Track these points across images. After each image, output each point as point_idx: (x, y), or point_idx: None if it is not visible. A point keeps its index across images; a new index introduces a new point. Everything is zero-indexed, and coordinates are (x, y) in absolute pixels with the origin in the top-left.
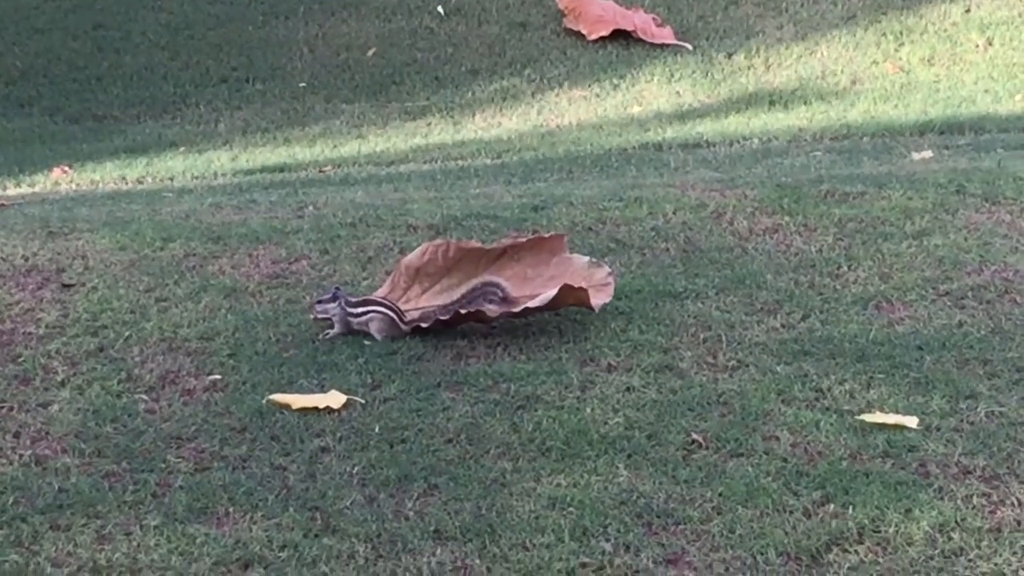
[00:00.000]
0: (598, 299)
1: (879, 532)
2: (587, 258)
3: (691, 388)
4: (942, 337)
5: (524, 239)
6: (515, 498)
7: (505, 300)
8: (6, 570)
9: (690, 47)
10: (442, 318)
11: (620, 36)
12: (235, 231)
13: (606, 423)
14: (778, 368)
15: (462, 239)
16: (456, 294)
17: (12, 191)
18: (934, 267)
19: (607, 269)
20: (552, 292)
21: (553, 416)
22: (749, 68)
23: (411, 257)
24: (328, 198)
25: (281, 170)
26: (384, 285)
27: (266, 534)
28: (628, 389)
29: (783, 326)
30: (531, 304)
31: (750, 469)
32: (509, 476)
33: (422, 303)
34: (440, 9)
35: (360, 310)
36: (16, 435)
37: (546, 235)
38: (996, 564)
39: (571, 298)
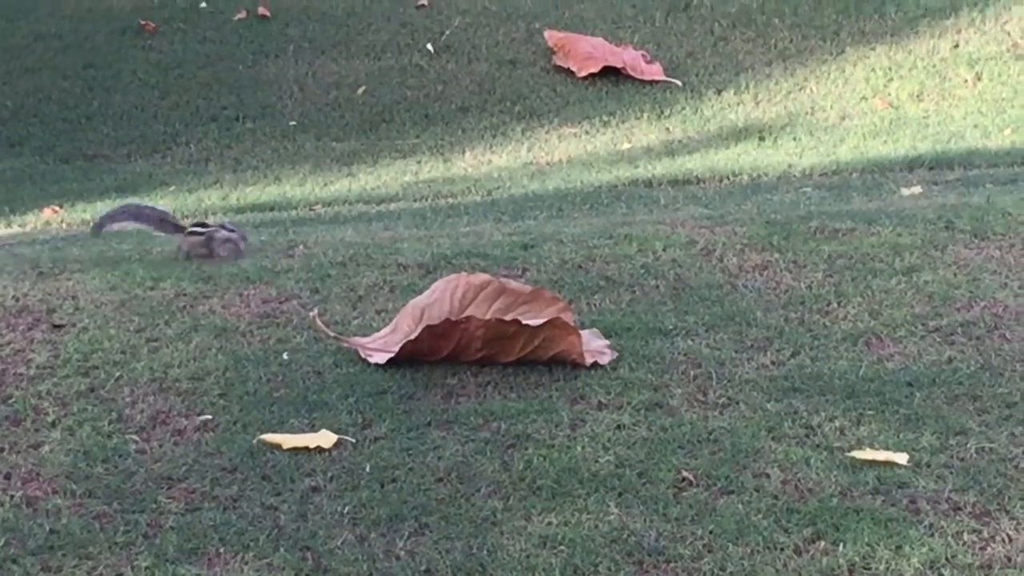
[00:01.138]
0: (591, 356)
1: (869, 569)
2: (591, 330)
3: (681, 426)
4: (932, 373)
5: (536, 291)
6: (506, 537)
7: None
8: None
9: (679, 83)
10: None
11: (610, 73)
12: (225, 271)
13: (597, 461)
14: (768, 405)
15: (475, 272)
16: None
17: (3, 231)
18: (923, 303)
19: (606, 341)
20: (541, 320)
21: (544, 454)
22: (738, 104)
23: (420, 297)
24: (318, 237)
25: (271, 209)
26: (388, 327)
27: (257, 574)
28: (618, 427)
29: (773, 363)
30: (525, 320)
31: (740, 507)
32: (500, 515)
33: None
34: (430, 47)
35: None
36: (7, 476)
37: (561, 300)
38: None
39: (562, 342)
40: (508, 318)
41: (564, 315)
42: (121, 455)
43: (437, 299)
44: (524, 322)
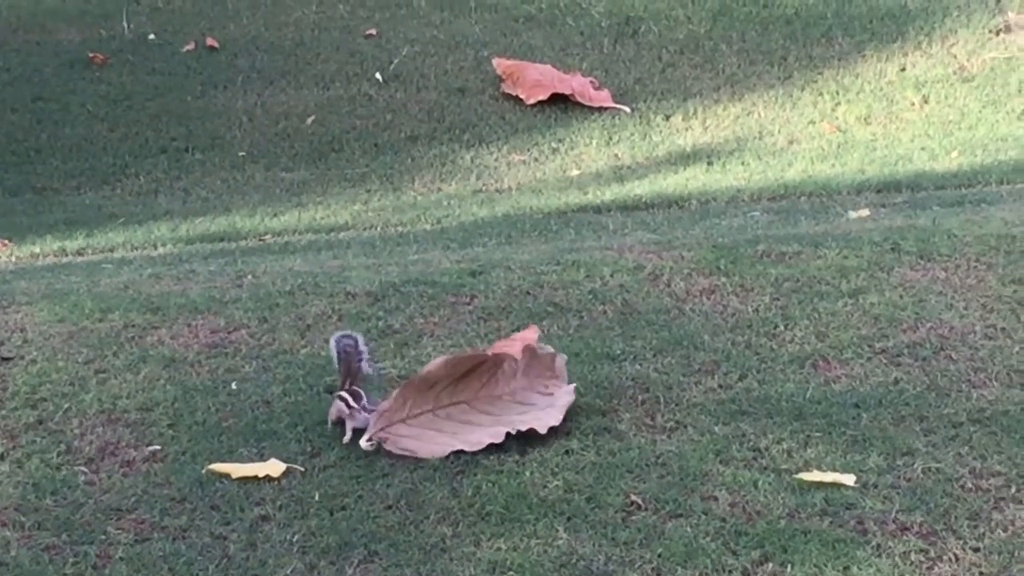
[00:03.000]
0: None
1: None
2: (548, 348)
3: (630, 450)
4: (878, 395)
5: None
6: (455, 563)
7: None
8: None
9: (628, 110)
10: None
11: (558, 100)
12: (174, 301)
13: (545, 486)
14: (716, 428)
15: (474, 348)
16: (444, 398)
17: None
18: (870, 325)
19: (564, 357)
20: (570, 397)
21: (492, 480)
22: (687, 130)
23: (428, 367)
24: (267, 267)
25: (221, 239)
26: (391, 398)
27: None
28: (567, 452)
29: (720, 386)
30: (559, 416)
31: (689, 530)
32: (449, 541)
33: (413, 412)
34: (378, 76)
35: None
36: None
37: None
38: None
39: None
40: (557, 422)
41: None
42: (70, 487)
43: (434, 372)
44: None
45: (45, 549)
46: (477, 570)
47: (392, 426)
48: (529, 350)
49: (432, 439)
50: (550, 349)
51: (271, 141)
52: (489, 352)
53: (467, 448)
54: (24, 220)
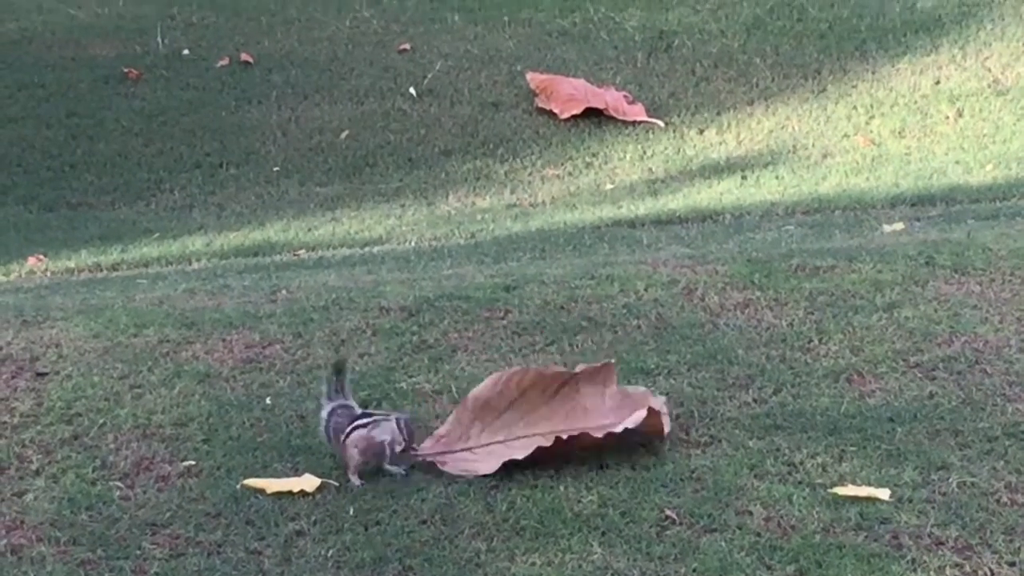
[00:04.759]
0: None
1: None
2: (643, 389)
3: (664, 465)
4: (913, 409)
5: (579, 370)
6: None
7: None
8: None
9: (662, 124)
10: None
11: (592, 114)
12: (208, 316)
13: (580, 501)
14: (750, 443)
15: (536, 367)
16: (516, 430)
17: None
18: (904, 339)
19: (663, 398)
20: (642, 412)
21: (527, 495)
22: (721, 143)
23: (479, 389)
24: (301, 282)
25: (255, 254)
26: (447, 422)
27: None
28: (601, 467)
29: (755, 401)
30: (627, 425)
31: (723, 544)
32: (483, 556)
33: (482, 441)
34: (412, 91)
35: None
36: None
37: (597, 365)
38: None
39: (649, 425)
40: (619, 429)
41: (608, 372)
42: (105, 502)
43: (501, 391)
44: (631, 427)
45: (80, 564)
46: None
47: (454, 453)
48: (611, 372)
49: (488, 458)
50: (642, 389)
51: (305, 156)
52: (550, 370)
53: (518, 456)
54: (59, 235)
